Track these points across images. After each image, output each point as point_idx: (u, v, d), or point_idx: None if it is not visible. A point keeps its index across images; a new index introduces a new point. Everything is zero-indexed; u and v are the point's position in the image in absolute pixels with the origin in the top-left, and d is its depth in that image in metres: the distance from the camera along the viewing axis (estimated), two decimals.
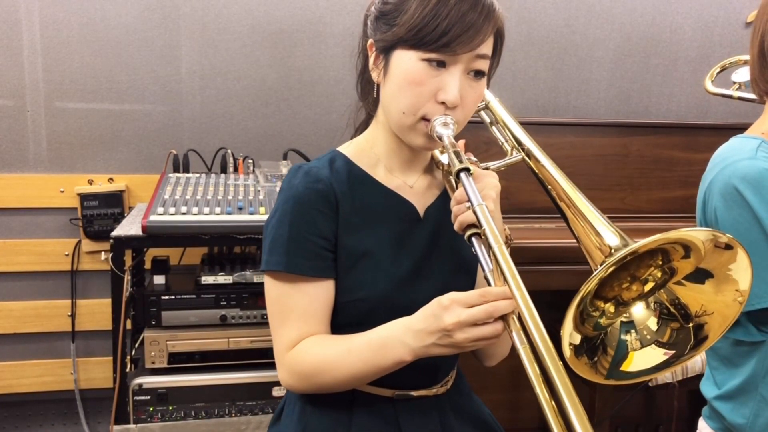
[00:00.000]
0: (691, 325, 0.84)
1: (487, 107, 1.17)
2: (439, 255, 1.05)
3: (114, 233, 1.63)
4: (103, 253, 2.12)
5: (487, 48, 0.94)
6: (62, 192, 2.10)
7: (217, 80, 2.16)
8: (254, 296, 1.70)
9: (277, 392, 1.69)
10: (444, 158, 1.07)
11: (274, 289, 0.98)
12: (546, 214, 2.06)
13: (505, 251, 0.80)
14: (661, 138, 2.25)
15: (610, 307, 0.87)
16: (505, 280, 0.79)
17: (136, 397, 1.63)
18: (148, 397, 1.64)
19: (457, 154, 0.90)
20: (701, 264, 0.82)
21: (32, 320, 2.14)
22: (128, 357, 1.71)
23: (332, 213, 0.99)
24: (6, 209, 2.08)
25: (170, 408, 1.65)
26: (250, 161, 2.03)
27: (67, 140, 2.10)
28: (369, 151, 1.06)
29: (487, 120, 1.16)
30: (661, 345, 0.85)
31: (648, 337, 0.86)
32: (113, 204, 2.10)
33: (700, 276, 0.83)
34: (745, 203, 1.08)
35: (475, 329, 0.81)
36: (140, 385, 1.63)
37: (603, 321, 0.86)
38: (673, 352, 0.84)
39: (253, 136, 2.21)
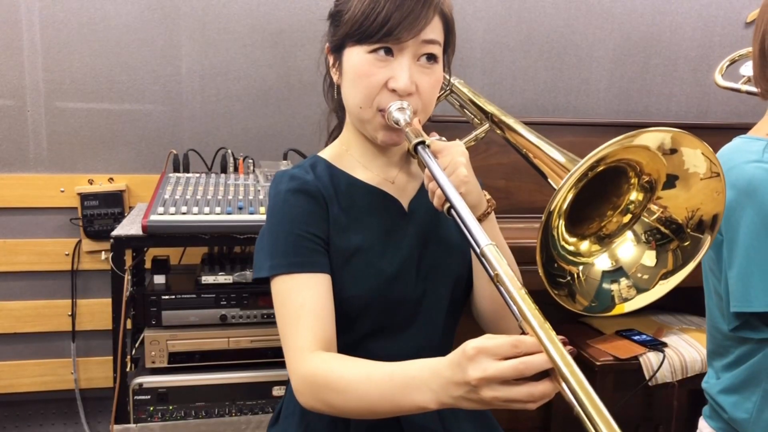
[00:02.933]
0: (689, 229, 0.81)
1: (452, 91, 1.18)
2: (429, 246, 1.06)
3: (114, 233, 1.63)
4: (103, 252, 2.12)
5: (433, 33, 0.95)
6: (62, 192, 2.10)
7: (217, 80, 2.16)
8: (254, 296, 1.70)
9: (277, 392, 1.70)
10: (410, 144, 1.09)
11: (280, 293, 0.97)
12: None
13: (524, 294, 0.69)
14: None
15: (592, 247, 0.83)
16: (532, 329, 0.68)
17: (136, 397, 1.63)
18: (149, 397, 1.64)
19: (414, 131, 0.92)
20: (669, 170, 0.80)
21: (32, 320, 2.14)
22: (128, 357, 1.71)
23: (323, 213, 1.00)
24: (6, 209, 2.08)
25: (170, 408, 1.65)
26: (250, 161, 2.03)
27: (67, 140, 2.10)
28: (345, 154, 1.08)
29: (457, 104, 1.17)
30: (667, 275, 0.81)
31: (646, 277, 0.82)
32: (113, 204, 2.10)
33: (671, 180, 0.81)
34: (756, 205, 1.08)
35: (506, 389, 0.69)
36: (140, 384, 1.63)
37: (582, 260, 0.83)
38: (681, 262, 0.80)
39: (253, 136, 2.21)
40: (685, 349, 1.91)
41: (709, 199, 0.79)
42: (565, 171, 0.83)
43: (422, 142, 0.91)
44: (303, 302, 0.95)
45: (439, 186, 0.85)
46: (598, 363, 1.86)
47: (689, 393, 1.99)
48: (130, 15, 2.08)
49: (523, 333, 0.69)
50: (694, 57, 2.48)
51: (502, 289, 0.70)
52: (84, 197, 2.08)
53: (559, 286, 0.80)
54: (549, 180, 0.88)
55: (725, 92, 1.75)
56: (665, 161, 0.79)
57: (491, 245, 0.73)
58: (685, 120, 2.48)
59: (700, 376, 1.31)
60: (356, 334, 1.03)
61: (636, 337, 1.97)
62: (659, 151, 0.77)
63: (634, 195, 0.84)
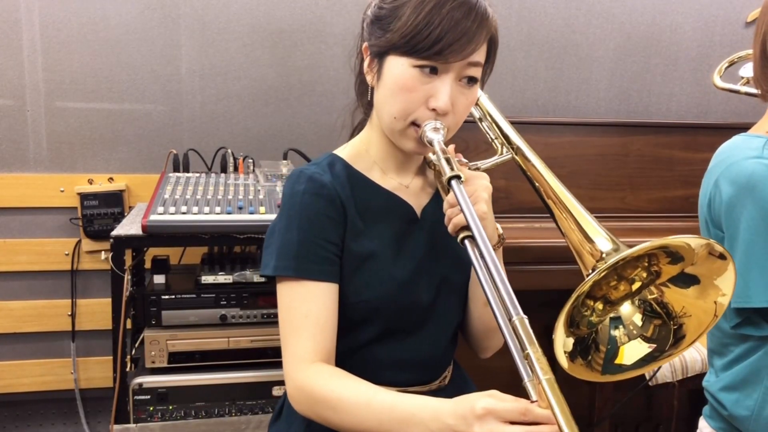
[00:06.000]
0: (672, 324, 0.86)
1: (476, 104, 1.17)
2: (437, 253, 1.06)
3: (114, 233, 1.63)
4: (103, 252, 2.12)
5: (479, 56, 0.94)
6: (62, 192, 2.10)
7: (217, 80, 2.16)
8: (254, 296, 1.70)
9: (277, 391, 1.69)
10: (435, 158, 1.08)
11: (286, 297, 0.97)
12: (546, 213, 2.05)
13: (552, 380, 0.67)
14: (661, 137, 2.25)
15: (599, 305, 0.89)
16: (549, 405, 0.67)
17: (136, 397, 1.63)
18: (148, 397, 1.64)
19: (448, 161, 0.90)
20: (689, 269, 0.84)
21: (32, 320, 2.14)
22: (128, 356, 1.71)
23: (340, 218, 0.99)
24: (6, 209, 2.08)
25: (170, 407, 1.65)
26: (250, 161, 2.03)
27: (67, 140, 2.10)
28: (365, 154, 1.07)
29: (477, 115, 1.17)
30: (645, 339, 0.88)
31: (634, 331, 0.88)
32: (113, 203, 2.10)
33: (686, 280, 0.85)
34: (756, 201, 1.08)
35: None
36: (140, 384, 1.63)
37: (594, 319, 0.89)
38: (656, 346, 0.87)
39: (253, 136, 2.21)
40: (685, 350, 1.90)
41: (701, 316, 0.85)
42: (577, 226, 0.88)
43: (458, 177, 0.88)
44: (308, 312, 0.95)
45: (467, 220, 0.84)
46: None
47: (689, 393, 1.99)
48: (130, 15, 2.08)
49: (528, 395, 0.70)
50: (694, 57, 2.48)
51: (524, 367, 0.69)
52: (84, 197, 2.08)
53: (587, 351, 0.86)
54: (557, 222, 0.91)
55: (725, 92, 1.75)
56: (706, 262, 0.82)
57: (522, 318, 0.72)
58: (685, 119, 2.48)
59: (700, 376, 1.31)
60: (364, 338, 1.03)
61: None
62: (706, 249, 0.81)
63: (641, 272, 0.89)
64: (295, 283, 0.96)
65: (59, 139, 2.10)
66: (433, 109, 0.93)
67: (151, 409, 1.64)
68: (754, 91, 1.59)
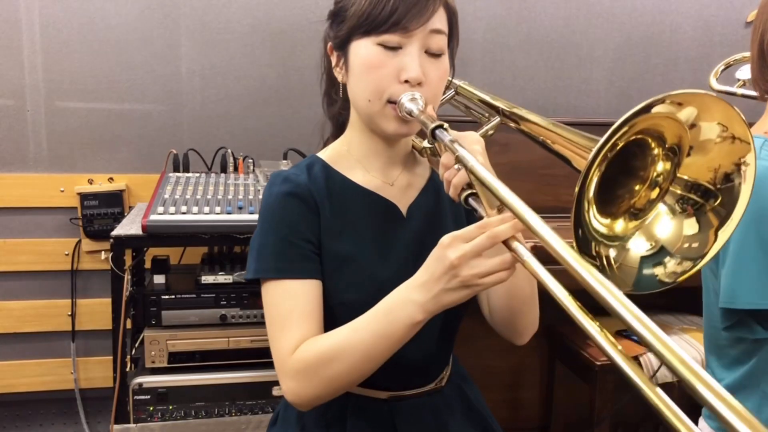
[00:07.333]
0: (717, 188, 0.76)
1: (457, 93, 1.17)
2: (426, 251, 1.05)
3: (114, 233, 1.63)
4: (103, 252, 2.12)
5: (439, 23, 0.95)
6: (62, 192, 2.10)
7: (217, 80, 2.16)
8: (254, 296, 1.70)
9: (277, 392, 1.70)
10: (426, 143, 1.07)
11: (269, 297, 0.97)
12: (546, 213, 2.05)
13: (495, 176, 0.78)
14: None
15: (629, 224, 0.79)
16: (500, 201, 0.76)
17: (136, 397, 1.63)
18: (148, 397, 1.64)
19: (429, 117, 0.91)
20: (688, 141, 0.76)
21: (32, 320, 2.14)
22: (128, 356, 1.71)
23: (314, 217, 0.99)
24: (6, 209, 2.08)
25: (170, 407, 1.65)
26: (250, 161, 2.03)
27: (67, 140, 2.10)
28: (346, 154, 1.06)
29: (462, 106, 1.16)
30: (719, 228, 0.76)
31: (696, 245, 0.77)
32: (113, 203, 2.10)
33: (687, 152, 0.76)
34: (751, 202, 1.08)
35: (483, 263, 0.77)
36: (140, 384, 1.63)
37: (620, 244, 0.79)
38: (727, 214, 0.76)
39: (253, 136, 2.21)
40: (685, 349, 1.91)
41: (726, 154, 0.75)
42: (587, 151, 0.79)
43: (440, 126, 0.88)
44: (292, 308, 0.94)
45: (465, 165, 0.82)
46: (598, 363, 1.86)
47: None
48: (130, 15, 2.08)
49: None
50: (694, 57, 2.48)
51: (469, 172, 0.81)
52: (84, 197, 2.08)
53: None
54: (573, 164, 0.85)
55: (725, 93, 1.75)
56: (688, 132, 0.75)
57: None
58: None
59: None
60: None
61: (636, 337, 1.97)
62: (683, 121, 0.75)
63: (661, 166, 0.78)
64: (276, 283, 0.96)
65: (59, 139, 2.10)
66: (406, 82, 0.93)
67: (151, 409, 1.64)
68: (750, 93, 1.59)
